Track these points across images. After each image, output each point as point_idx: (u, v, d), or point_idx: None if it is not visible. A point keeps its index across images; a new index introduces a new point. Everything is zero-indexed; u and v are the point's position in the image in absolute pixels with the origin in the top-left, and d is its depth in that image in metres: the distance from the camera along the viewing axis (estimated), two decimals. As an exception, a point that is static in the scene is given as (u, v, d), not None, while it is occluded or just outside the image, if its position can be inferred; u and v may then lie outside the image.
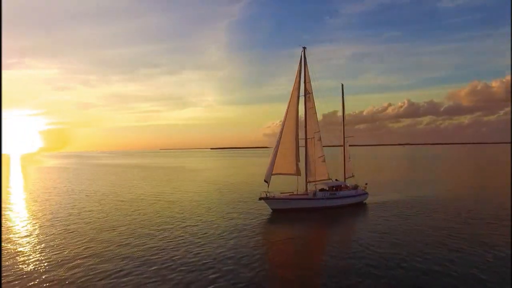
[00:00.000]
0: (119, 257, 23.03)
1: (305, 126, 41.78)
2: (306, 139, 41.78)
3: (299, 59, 41.23)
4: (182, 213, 37.88)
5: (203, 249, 24.49)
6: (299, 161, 41.45)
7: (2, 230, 31.09)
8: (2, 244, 26.11)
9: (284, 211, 37.77)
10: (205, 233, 29.12)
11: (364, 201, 42.92)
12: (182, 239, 27.25)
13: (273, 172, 40.47)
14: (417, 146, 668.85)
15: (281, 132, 40.50)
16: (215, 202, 45.10)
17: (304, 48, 41.44)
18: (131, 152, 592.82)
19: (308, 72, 41.74)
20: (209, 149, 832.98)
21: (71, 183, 74.47)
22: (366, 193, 43.36)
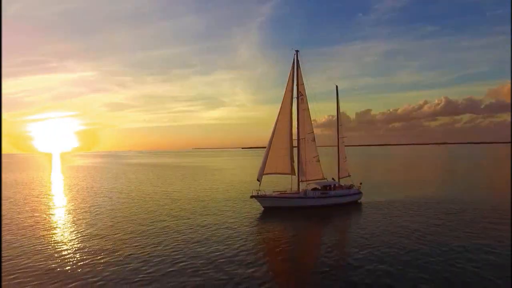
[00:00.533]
0: (104, 248, 25.76)
1: (298, 127, 42.98)
2: (298, 139, 42.98)
3: (292, 63, 42.46)
4: (178, 210, 40.35)
5: (179, 242, 26.64)
6: (293, 161, 42.81)
7: (6, 225, 34.94)
8: (3, 239, 29.45)
9: (274, 209, 39.24)
10: (190, 228, 31.29)
11: (358, 201, 43.44)
12: (164, 233, 29.58)
13: (267, 172, 42.12)
14: (455, 145, 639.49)
15: (273, 133, 41.92)
16: (214, 200, 47.33)
17: (297, 51, 42.64)
18: (163, 152, 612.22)
19: (301, 75, 42.92)
20: (241, 149, 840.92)
21: (94, 181, 79.75)
22: (360, 193, 43.79)
